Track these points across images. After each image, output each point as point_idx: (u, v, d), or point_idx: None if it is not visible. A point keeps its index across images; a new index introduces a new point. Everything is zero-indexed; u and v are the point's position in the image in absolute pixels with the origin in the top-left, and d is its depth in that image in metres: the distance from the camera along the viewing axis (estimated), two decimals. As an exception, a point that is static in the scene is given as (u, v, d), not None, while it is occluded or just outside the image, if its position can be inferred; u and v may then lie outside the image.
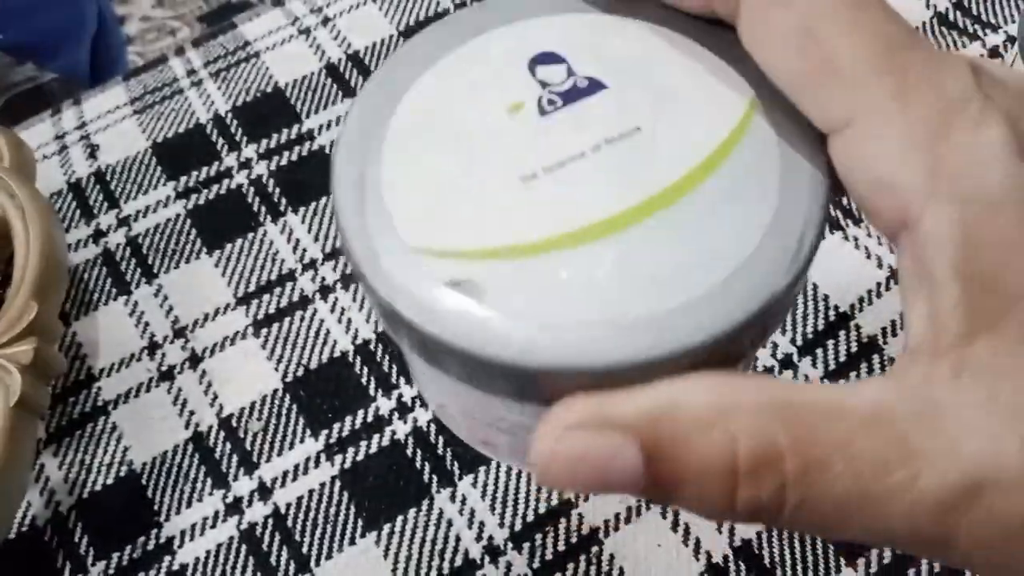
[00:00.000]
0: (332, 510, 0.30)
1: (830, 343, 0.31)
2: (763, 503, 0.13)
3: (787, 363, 0.30)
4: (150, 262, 0.35)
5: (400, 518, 0.29)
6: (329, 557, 0.29)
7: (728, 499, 0.13)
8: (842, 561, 0.27)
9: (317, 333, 0.33)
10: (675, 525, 0.28)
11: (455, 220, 0.15)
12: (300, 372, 0.32)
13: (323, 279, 0.34)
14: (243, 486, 0.30)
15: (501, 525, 0.29)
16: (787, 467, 0.12)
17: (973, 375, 0.12)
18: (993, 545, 0.12)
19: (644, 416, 0.13)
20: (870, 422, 0.12)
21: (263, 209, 0.36)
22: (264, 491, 0.30)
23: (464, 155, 0.15)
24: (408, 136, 0.15)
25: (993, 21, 0.38)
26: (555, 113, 0.15)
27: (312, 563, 0.29)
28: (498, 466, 0.30)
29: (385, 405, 0.31)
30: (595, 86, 0.15)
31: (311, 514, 0.30)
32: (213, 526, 0.30)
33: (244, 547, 0.29)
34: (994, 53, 0.37)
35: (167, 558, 0.29)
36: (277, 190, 0.37)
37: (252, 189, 0.37)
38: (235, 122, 0.39)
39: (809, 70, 0.14)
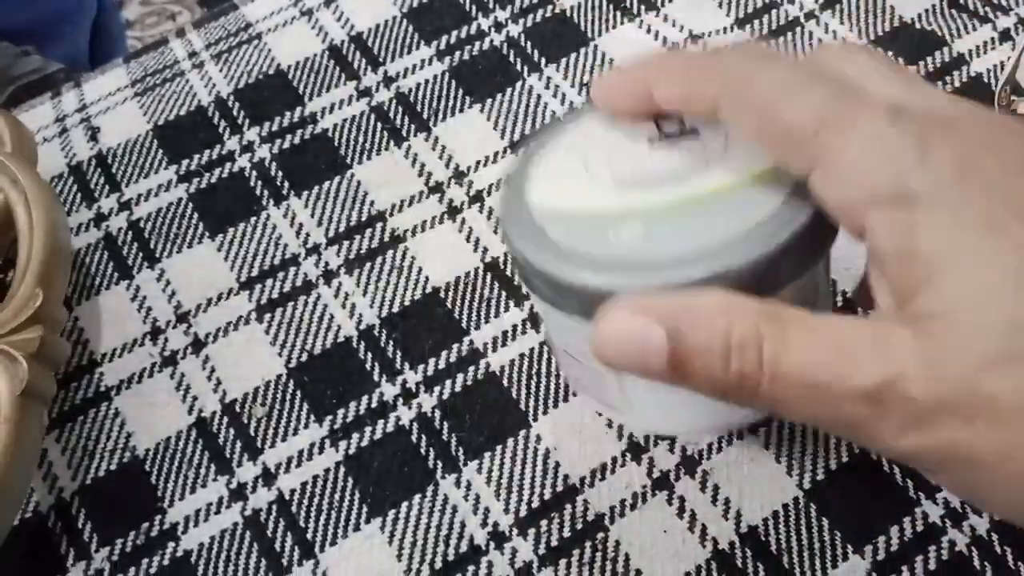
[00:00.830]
0: (336, 496, 0.29)
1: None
2: (748, 373, 0.18)
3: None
4: (152, 246, 0.35)
5: (405, 504, 0.29)
6: (334, 543, 0.29)
7: (724, 369, 0.18)
8: (849, 548, 0.27)
9: (321, 318, 0.33)
10: (681, 511, 0.28)
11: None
12: (304, 358, 0.32)
13: (326, 264, 0.34)
14: (247, 472, 0.30)
15: (506, 511, 0.29)
16: (765, 347, 0.18)
17: (914, 327, 0.17)
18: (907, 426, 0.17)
19: (670, 308, 0.18)
20: (828, 330, 0.18)
21: (266, 193, 0.36)
22: (268, 477, 0.30)
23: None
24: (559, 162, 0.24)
25: (1004, 3, 0.38)
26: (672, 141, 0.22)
27: (316, 549, 0.29)
28: (503, 452, 0.30)
29: (389, 391, 0.31)
30: (694, 132, 0.22)
31: (315, 500, 0.29)
32: (217, 512, 0.30)
33: (248, 533, 0.29)
34: (1005, 36, 0.37)
35: (171, 544, 0.29)
36: (280, 173, 0.36)
37: (255, 172, 0.36)
38: (237, 104, 0.38)
39: (773, 143, 0.20)
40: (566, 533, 0.28)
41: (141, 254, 0.35)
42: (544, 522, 0.28)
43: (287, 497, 0.30)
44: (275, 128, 0.38)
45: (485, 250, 0.34)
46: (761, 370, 0.18)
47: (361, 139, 0.37)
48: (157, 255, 0.35)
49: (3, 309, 0.29)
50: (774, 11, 0.39)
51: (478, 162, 0.36)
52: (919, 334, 0.17)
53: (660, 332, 0.18)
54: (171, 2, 1.30)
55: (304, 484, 0.30)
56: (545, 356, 0.31)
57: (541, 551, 0.28)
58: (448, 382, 0.31)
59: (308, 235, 0.35)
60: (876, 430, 0.17)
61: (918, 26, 0.38)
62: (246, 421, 0.31)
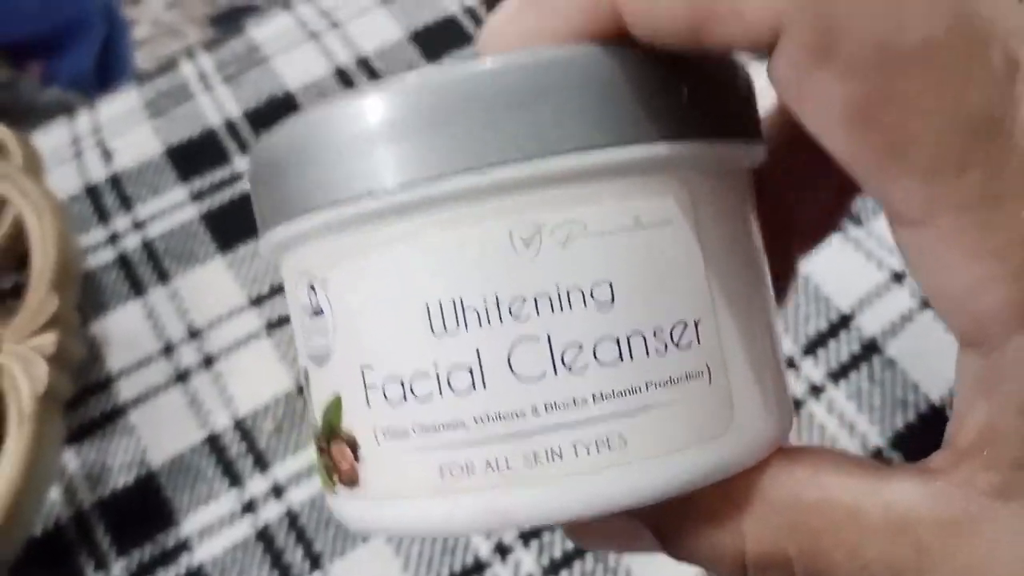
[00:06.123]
0: (345, 509, 0.30)
1: (831, 344, 0.31)
2: None
3: (789, 363, 0.31)
4: (165, 265, 0.36)
5: (411, 517, 0.30)
6: (342, 555, 0.30)
7: None
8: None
9: (329, 335, 0.34)
10: (680, 523, 0.29)
11: None
12: (312, 373, 0.33)
13: (334, 282, 0.35)
14: (257, 486, 0.31)
15: (510, 523, 0.29)
16: (795, 569, 0.13)
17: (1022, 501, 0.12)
18: None
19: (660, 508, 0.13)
20: (887, 528, 0.12)
21: (275, 213, 0.37)
22: (278, 491, 0.31)
23: None
24: None
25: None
26: None
27: (325, 561, 0.30)
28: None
29: (396, 406, 0.32)
30: None
31: (324, 513, 0.30)
32: (229, 524, 0.30)
33: (259, 546, 0.30)
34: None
35: (185, 556, 0.30)
36: (288, 194, 0.37)
37: (264, 193, 0.37)
38: (246, 126, 0.39)
39: (869, 155, 0.11)
40: (569, 545, 0.29)
41: (155, 273, 0.36)
42: (547, 534, 0.29)
43: (296, 510, 0.30)
44: (284, 149, 0.38)
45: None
46: None
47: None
48: (169, 273, 0.36)
49: (21, 315, 0.30)
50: None
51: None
52: None
53: (648, 535, 0.15)
54: (182, 22, 1.31)
55: (313, 497, 0.31)
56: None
57: (544, 563, 0.29)
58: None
59: (316, 254, 0.36)
60: None
61: None
62: (256, 436, 0.32)
